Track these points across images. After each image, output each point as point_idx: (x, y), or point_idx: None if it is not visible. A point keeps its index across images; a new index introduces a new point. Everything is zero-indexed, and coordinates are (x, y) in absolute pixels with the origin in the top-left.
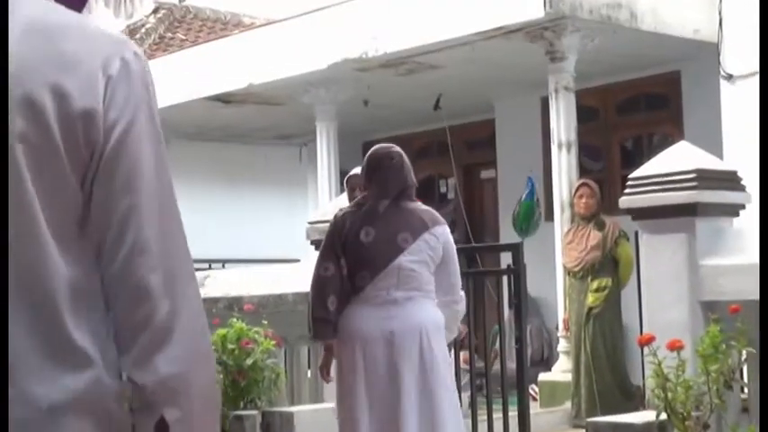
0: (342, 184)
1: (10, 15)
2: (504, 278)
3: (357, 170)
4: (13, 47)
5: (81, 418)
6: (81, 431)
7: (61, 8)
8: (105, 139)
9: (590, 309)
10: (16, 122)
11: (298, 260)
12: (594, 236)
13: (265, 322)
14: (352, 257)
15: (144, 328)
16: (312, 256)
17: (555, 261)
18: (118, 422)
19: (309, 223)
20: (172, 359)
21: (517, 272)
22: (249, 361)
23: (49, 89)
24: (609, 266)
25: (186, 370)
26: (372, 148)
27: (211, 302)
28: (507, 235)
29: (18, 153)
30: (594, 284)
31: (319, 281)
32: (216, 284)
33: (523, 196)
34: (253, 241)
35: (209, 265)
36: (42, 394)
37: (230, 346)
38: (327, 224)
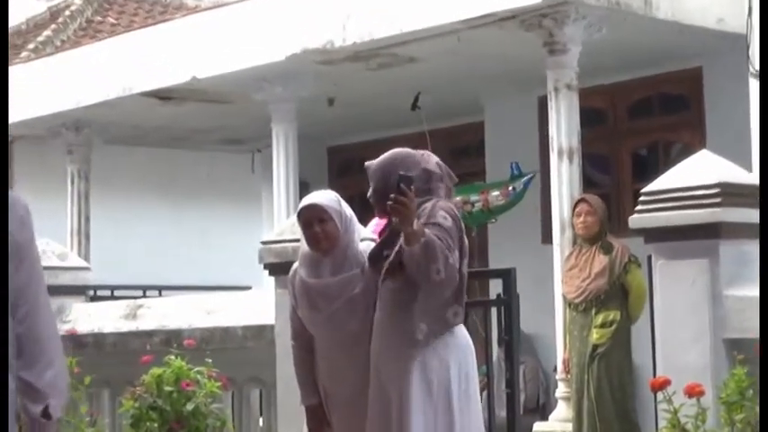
0: (302, 197)
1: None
2: (494, 310)
3: (315, 199)
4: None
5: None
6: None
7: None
8: (24, 252)
9: (594, 347)
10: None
11: (249, 287)
12: (600, 261)
13: (209, 360)
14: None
15: (41, 355)
16: (267, 282)
17: (553, 290)
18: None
19: (263, 243)
20: (56, 373)
21: (509, 302)
22: (189, 406)
23: (13, 231)
24: (617, 297)
25: (60, 379)
26: (399, 152)
27: (144, 336)
28: (497, 259)
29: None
30: (600, 318)
31: (463, 280)
32: (151, 315)
33: (516, 188)
34: (195, 265)
35: (144, 293)
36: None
37: (167, 389)
38: (284, 245)
